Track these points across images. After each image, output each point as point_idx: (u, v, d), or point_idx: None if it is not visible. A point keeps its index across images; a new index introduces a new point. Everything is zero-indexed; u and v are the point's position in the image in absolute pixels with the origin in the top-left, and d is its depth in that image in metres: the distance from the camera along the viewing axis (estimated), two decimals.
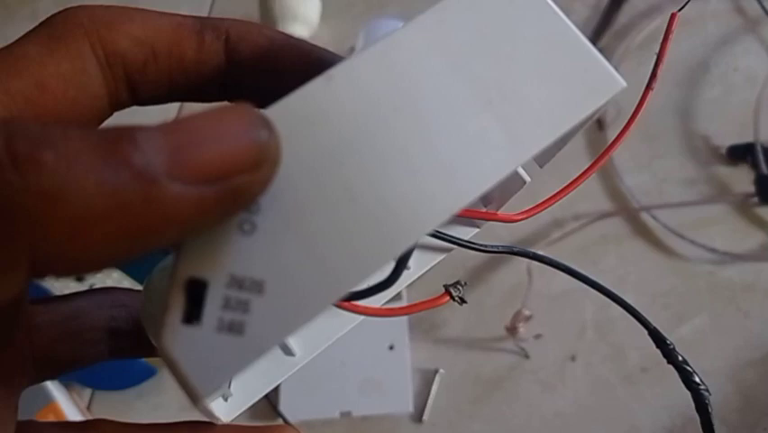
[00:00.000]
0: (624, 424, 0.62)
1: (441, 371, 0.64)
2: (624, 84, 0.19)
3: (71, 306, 0.24)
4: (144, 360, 0.63)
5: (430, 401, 0.63)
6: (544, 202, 0.23)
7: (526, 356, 0.64)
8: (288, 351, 0.25)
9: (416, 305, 0.22)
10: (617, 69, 0.21)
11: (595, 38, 0.71)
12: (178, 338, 0.17)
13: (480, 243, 0.24)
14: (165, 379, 0.65)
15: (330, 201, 0.17)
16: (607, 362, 0.64)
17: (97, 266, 0.14)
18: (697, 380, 0.25)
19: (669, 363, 0.25)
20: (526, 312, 0.63)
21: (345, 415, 0.62)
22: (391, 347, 0.64)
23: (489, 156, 0.18)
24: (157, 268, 0.22)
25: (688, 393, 0.26)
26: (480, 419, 0.63)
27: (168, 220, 0.14)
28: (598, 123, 0.70)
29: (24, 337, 0.21)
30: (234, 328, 0.17)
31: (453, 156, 0.18)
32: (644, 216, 0.68)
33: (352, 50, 0.71)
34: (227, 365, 0.17)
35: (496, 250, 0.25)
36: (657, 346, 0.26)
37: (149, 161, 0.14)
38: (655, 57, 0.23)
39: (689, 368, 0.25)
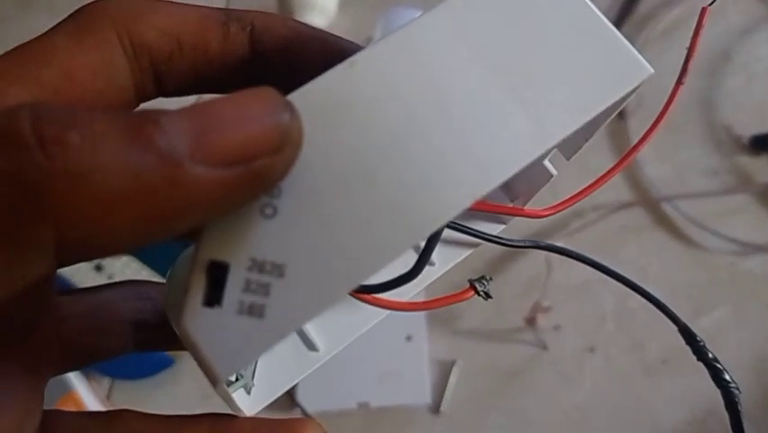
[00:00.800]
0: (643, 417, 0.62)
1: (459, 362, 0.64)
2: (651, 70, 0.19)
3: (98, 298, 0.24)
4: (164, 352, 0.64)
5: (448, 393, 0.63)
6: (570, 198, 0.23)
7: (545, 348, 0.64)
8: (311, 346, 0.25)
9: (439, 300, 0.22)
10: None
11: (615, 27, 0.70)
12: (199, 321, 0.17)
13: (506, 237, 0.24)
14: (182, 369, 0.65)
15: (351, 186, 0.17)
16: (626, 354, 0.64)
17: (121, 248, 0.15)
18: (727, 378, 0.24)
19: (699, 360, 0.24)
20: (545, 303, 0.64)
21: (363, 406, 0.62)
22: (409, 338, 0.64)
23: (513, 142, 0.18)
24: (180, 258, 0.22)
25: (709, 386, 0.26)
26: (497, 410, 0.63)
27: (191, 203, 0.15)
28: (620, 112, 0.69)
29: (52, 327, 0.22)
30: (255, 311, 0.17)
31: (476, 142, 0.18)
32: (665, 207, 0.68)
33: (369, 39, 0.71)
34: (247, 348, 0.17)
35: (522, 245, 0.24)
36: (687, 343, 0.25)
37: (173, 143, 0.14)
38: (686, 51, 0.23)
39: (719, 365, 0.24)
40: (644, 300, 0.28)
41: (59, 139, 0.14)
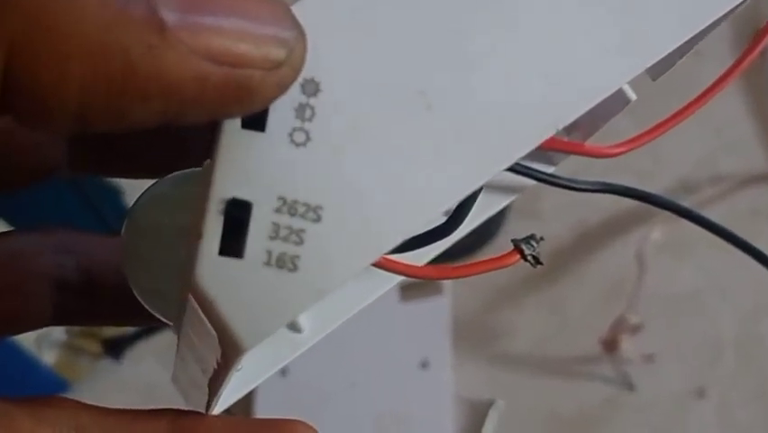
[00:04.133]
0: None
1: (498, 403, 0.64)
2: None
3: (9, 245, 0.28)
4: (53, 370, 0.66)
5: None
6: (649, 131, 0.24)
7: (631, 387, 0.65)
8: (293, 326, 0.27)
9: (474, 265, 0.23)
10: None
11: None
12: (216, 273, 0.19)
13: (566, 177, 0.25)
14: (80, 398, 0.64)
15: (402, 108, 0.20)
16: (752, 401, 0.64)
17: (64, 110, 0.17)
18: None
19: None
20: (634, 320, 0.63)
21: None
22: (425, 365, 0.65)
23: (600, 61, 0.21)
24: (141, 201, 0.25)
25: None
26: None
27: (159, 82, 0.17)
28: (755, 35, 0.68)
29: None
30: (286, 263, 0.19)
31: (554, 59, 0.21)
32: None
33: None
34: (278, 308, 0.19)
35: (592, 188, 0.26)
36: None
37: (159, 7, 0.17)
38: None
39: None
40: None
41: None
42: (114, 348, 0.65)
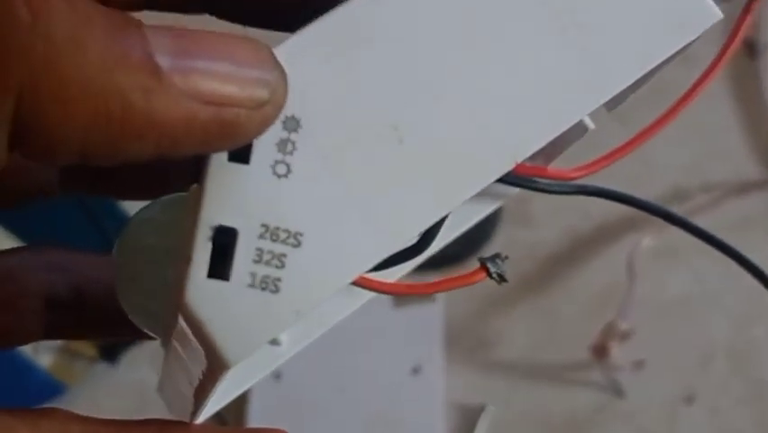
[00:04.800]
0: None
1: (489, 408, 0.65)
2: (720, 15, 0.23)
3: (1, 264, 0.29)
4: (49, 373, 0.66)
5: None
6: (614, 152, 0.25)
7: (620, 393, 0.65)
8: (272, 340, 0.27)
9: (441, 282, 0.24)
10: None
11: None
12: (205, 295, 0.21)
13: (546, 182, 0.26)
14: (77, 401, 0.66)
15: (376, 142, 0.22)
16: (742, 406, 0.65)
17: (67, 148, 0.19)
18: None
19: None
20: (624, 326, 0.63)
21: None
22: (416, 370, 0.65)
23: (558, 98, 0.23)
24: (132, 224, 0.26)
25: None
26: None
27: (152, 123, 0.19)
28: (750, 48, 0.68)
29: None
30: (269, 285, 0.21)
31: (515, 97, 0.23)
32: None
33: None
34: (261, 327, 0.21)
35: (563, 190, 0.26)
36: None
37: (154, 52, 0.19)
38: None
39: None
40: None
41: (46, 3, 0.18)
42: (110, 352, 0.65)
